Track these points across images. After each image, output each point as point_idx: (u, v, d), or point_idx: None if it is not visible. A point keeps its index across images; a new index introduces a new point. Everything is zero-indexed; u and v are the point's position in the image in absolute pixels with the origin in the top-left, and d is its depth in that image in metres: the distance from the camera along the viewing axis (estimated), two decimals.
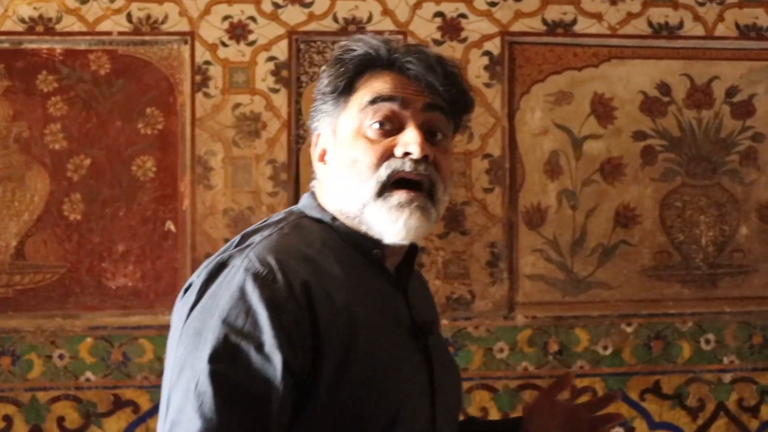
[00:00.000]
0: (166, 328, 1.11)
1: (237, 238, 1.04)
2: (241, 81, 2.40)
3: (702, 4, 2.57)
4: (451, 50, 2.43)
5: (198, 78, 2.38)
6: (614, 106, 2.58)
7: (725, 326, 2.54)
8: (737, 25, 2.58)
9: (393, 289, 1.05)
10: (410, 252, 1.08)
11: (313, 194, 1.09)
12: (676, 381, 2.57)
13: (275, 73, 2.42)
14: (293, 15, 2.42)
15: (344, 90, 1.05)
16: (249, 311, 0.94)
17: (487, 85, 2.49)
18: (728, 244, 2.56)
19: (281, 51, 2.43)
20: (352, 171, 1.02)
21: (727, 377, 2.53)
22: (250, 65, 2.42)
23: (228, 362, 0.94)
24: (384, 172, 1.01)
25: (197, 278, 1.00)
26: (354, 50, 1.06)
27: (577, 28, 2.54)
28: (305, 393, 0.94)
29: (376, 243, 1.03)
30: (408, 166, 1.00)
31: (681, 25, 2.57)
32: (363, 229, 1.02)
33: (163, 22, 2.38)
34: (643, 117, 2.59)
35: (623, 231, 2.56)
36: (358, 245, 1.03)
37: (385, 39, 1.08)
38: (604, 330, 2.51)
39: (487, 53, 2.49)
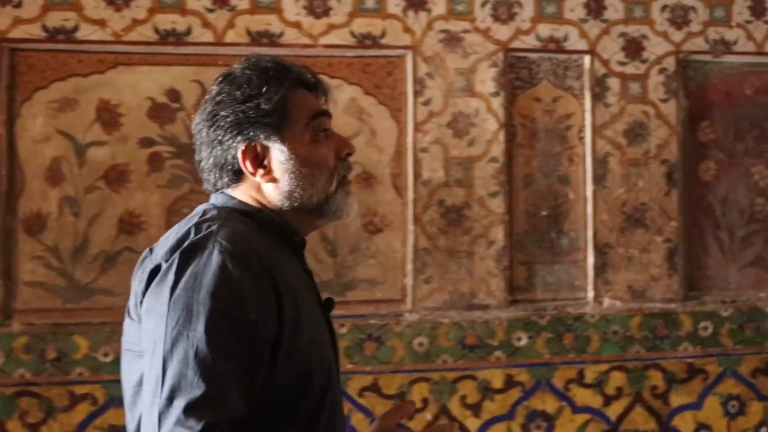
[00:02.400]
0: None
1: (190, 227, 1.24)
2: None
3: (211, 11, 2.78)
4: None
5: None
6: (121, 113, 2.77)
7: None
8: (248, 32, 2.79)
9: (303, 272, 1.34)
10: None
11: (226, 194, 1.33)
12: None
13: None
14: None
15: (284, 107, 1.31)
16: (233, 285, 1.17)
17: None
18: None
19: None
20: (316, 171, 1.32)
21: None
22: None
23: (222, 330, 1.15)
24: (341, 171, 1.34)
25: (165, 262, 1.20)
26: (279, 68, 1.33)
27: (80, 34, 2.72)
28: (271, 357, 1.19)
29: (296, 232, 1.32)
30: (349, 165, 1.36)
31: (189, 31, 2.77)
32: (307, 214, 1.33)
33: None
34: (151, 124, 2.78)
35: (127, 238, 2.75)
36: (281, 233, 1.30)
37: (292, 63, 1.37)
38: (105, 337, 2.71)
39: None
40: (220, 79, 1.34)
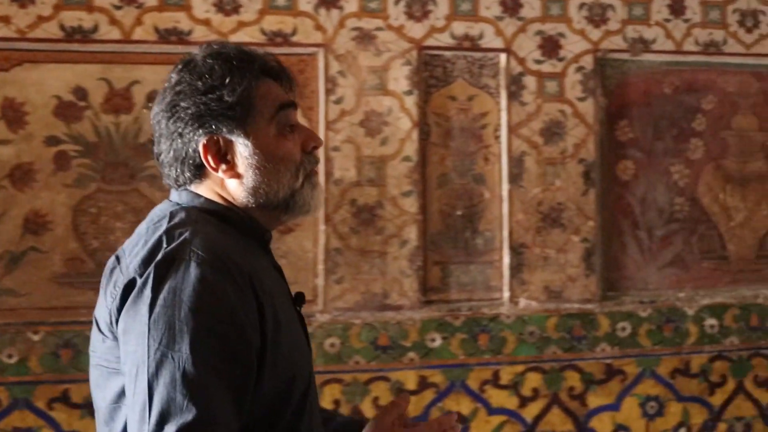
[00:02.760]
0: None
1: (161, 234, 1.22)
2: None
3: (119, 8, 2.83)
4: None
5: None
6: (26, 111, 2.81)
7: None
8: (157, 29, 2.84)
9: (274, 270, 1.34)
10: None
11: (191, 191, 1.31)
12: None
13: None
14: None
15: (250, 96, 1.29)
16: (215, 299, 1.15)
17: None
18: None
19: None
20: (281, 166, 1.30)
21: None
22: None
23: (208, 347, 1.14)
24: (307, 165, 1.33)
25: (140, 277, 1.18)
26: (243, 57, 1.30)
27: None
28: (257, 366, 1.19)
29: (265, 228, 1.32)
30: (316, 159, 1.36)
31: (96, 28, 2.82)
32: (273, 210, 1.31)
33: None
34: (57, 122, 2.83)
35: (33, 238, 2.80)
36: (250, 230, 1.30)
37: (251, 49, 1.35)
38: (9, 338, 2.75)
39: None
40: (180, 66, 1.31)
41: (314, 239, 2.92)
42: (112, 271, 1.28)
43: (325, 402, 2.89)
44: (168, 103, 1.29)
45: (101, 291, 1.30)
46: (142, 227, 1.30)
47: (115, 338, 1.23)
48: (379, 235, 2.94)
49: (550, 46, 3.07)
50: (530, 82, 3.03)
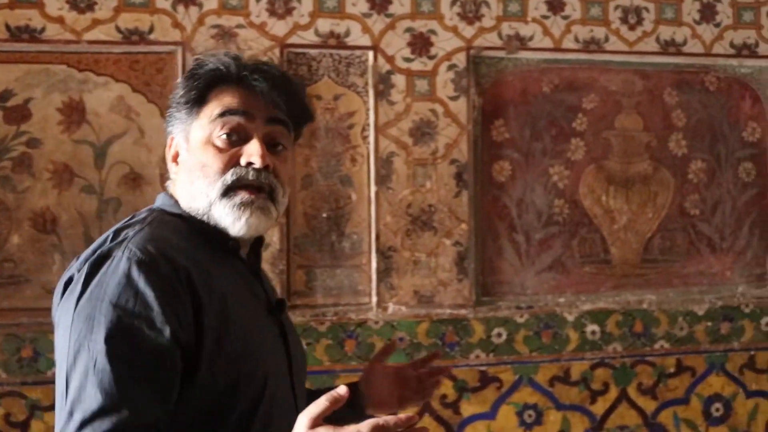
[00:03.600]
0: None
1: (109, 234, 1.37)
2: None
3: None
4: None
5: None
6: None
7: None
8: (8, 27, 3.00)
9: (248, 274, 1.45)
10: (257, 242, 1.51)
11: (168, 193, 1.48)
12: None
13: None
14: None
15: (196, 101, 1.43)
16: (137, 293, 1.26)
17: None
18: None
19: None
20: (201, 174, 1.40)
21: None
22: None
23: (123, 340, 1.24)
24: (230, 177, 1.39)
25: (77, 272, 1.31)
26: (207, 65, 1.44)
27: None
28: (190, 365, 1.28)
29: (228, 235, 1.41)
30: (251, 175, 1.39)
31: None
32: (212, 223, 1.40)
33: None
34: None
35: None
36: (212, 237, 1.40)
37: (236, 56, 1.46)
38: None
39: None
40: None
41: None
42: (69, 268, 1.41)
43: None
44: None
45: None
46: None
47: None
48: None
49: (421, 44, 3.22)
50: (399, 80, 3.19)
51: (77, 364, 1.26)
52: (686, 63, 3.55)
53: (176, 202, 1.45)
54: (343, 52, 3.28)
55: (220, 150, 1.41)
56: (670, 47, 3.54)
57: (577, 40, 3.47)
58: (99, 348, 1.24)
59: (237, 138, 1.41)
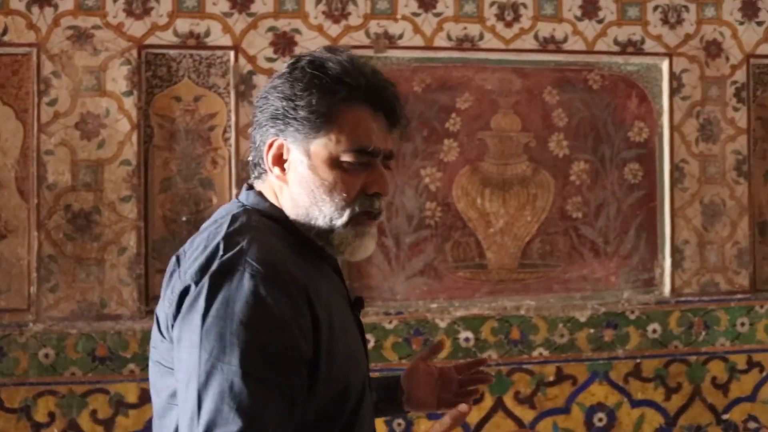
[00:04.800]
0: None
1: (219, 240, 1.54)
2: None
3: None
4: None
5: None
6: None
7: None
8: None
9: (333, 274, 1.69)
10: None
11: (260, 193, 1.66)
12: None
13: None
14: None
15: (325, 117, 1.59)
16: (267, 312, 1.45)
17: None
18: None
19: None
20: (327, 197, 1.60)
21: None
22: None
23: (257, 361, 1.44)
24: (358, 207, 1.60)
25: (194, 284, 1.49)
26: (331, 71, 1.60)
27: None
28: (310, 377, 1.50)
29: (322, 247, 1.63)
30: (375, 205, 1.63)
31: None
32: (318, 238, 1.62)
33: None
34: None
35: None
36: (307, 242, 1.63)
37: (354, 63, 1.61)
38: None
39: None
40: (291, 61, 1.67)
41: (28, 246, 3.35)
42: (171, 274, 1.61)
43: (40, 415, 3.30)
44: (265, 93, 1.67)
45: (162, 291, 1.64)
46: (204, 226, 1.66)
47: (171, 341, 1.55)
48: (96, 242, 3.42)
49: (284, 44, 3.53)
50: (261, 81, 3.52)
51: (211, 385, 1.44)
52: (568, 61, 3.84)
53: (272, 204, 1.65)
54: (204, 53, 3.60)
55: (348, 175, 1.61)
56: (549, 44, 3.84)
57: (450, 38, 3.78)
58: (234, 370, 1.43)
59: (361, 165, 1.61)
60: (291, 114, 1.60)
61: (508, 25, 3.85)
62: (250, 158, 1.70)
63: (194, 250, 1.56)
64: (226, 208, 1.68)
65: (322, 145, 1.60)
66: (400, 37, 3.79)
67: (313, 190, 1.60)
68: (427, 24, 3.81)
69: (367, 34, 3.77)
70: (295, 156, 1.62)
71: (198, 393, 1.44)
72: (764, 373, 4.05)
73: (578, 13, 3.90)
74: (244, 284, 1.46)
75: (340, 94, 1.59)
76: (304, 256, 1.60)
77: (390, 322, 3.74)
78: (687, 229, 3.98)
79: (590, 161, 3.91)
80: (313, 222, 1.61)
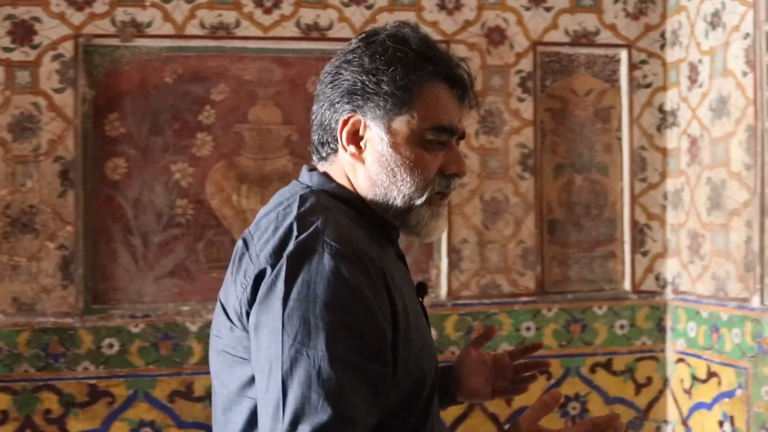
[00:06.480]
0: None
1: (292, 220, 1.67)
2: None
3: None
4: None
5: None
6: None
7: None
8: None
9: (398, 260, 1.88)
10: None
11: (325, 174, 1.84)
12: None
13: None
14: None
15: (410, 95, 1.77)
16: (351, 293, 1.60)
17: None
18: None
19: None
20: (408, 175, 1.77)
21: None
22: None
23: (344, 344, 1.57)
24: (437, 185, 1.81)
25: (270, 267, 1.63)
26: (412, 46, 1.77)
27: None
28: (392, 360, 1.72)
29: (392, 223, 1.84)
30: (452, 186, 1.84)
31: None
32: (395, 217, 1.82)
33: None
34: None
35: None
36: (377, 223, 1.82)
37: (435, 42, 1.82)
38: None
39: None
40: (362, 36, 1.84)
41: None
42: (241, 257, 1.75)
43: None
44: (335, 68, 1.82)
45: (229, 276, 1.79)
46: (268, 208, 1.81)
47: (245, 329, 1.69)
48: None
49: (23, 32, 3.92)
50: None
51: (296, 372, 1.56)
52: (334, 49, 4.11)
53: (338, 184, 1.82)
54: None
55: (429, 153, 1.79)
56: (313, 32, 4.21)
57: (203, 25, 4.21)
58: (321, 355, 1.55)
59: (440, 143, 1.82)
60: (372, 89, 1.74)
61: (267, 11, 4.26)
62: (314, 138, 1.83)
63: (263, 232, 1.70)
64: (290, 189, 1.83)
65: (404, 122, 1.76)
66: (149, 25, 4.22)
67: (393, 168, 1.75)
68: (178, 11, 4.23)
69: (113, 22, 4.20)
70: (375, 133, 1.77)
71: (282, 381, 1.55)
72: (552, 381, 4.39)
73: None
74: (324, 264, 1.59)
75: (425, 69, 1.76)
76: (374, 237, 1.77)
77: (136, 325, 4.14)
78: (465, 228, 4.41)
79: None
80: (391, 202, 1.77)
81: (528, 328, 4.51)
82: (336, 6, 4.38)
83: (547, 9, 4.57)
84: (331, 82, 1.78)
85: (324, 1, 4.38)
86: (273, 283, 1.60)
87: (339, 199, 1.77)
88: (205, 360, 4.22)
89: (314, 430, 1.50)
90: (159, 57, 4.27)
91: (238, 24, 4.30)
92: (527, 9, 4.54)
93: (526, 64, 4.53)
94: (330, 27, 4.34)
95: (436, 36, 4.46)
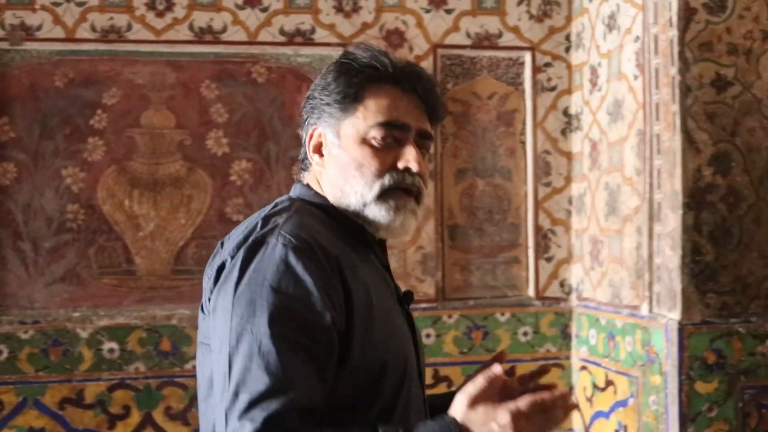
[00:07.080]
0: None
1: (257, 220, 1.92)
2: None
3: None
4: None
5: None
6: None
7: None
8: None
9: (380, 266, 2.09)
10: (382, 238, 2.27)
11: (307, 185, 2.09)
12: None
13: None
14: None
15: (353, 98, 2.00)
16: (296, 278, 1.80)
17: None
18: None
19: None
20: (357, 173, 1.97)
21: None
22: None
23: (286, 323, 1.77)
24: (387, 180, 1.97)
25: (230, 258, 1.87)
26: (360, 59, 2.02)
27: None
28: (343, 348, 1.84)
29: (366, 229, 2.02)
30: (407, 180, 1.98)
31: None
32: (357, 218, 2.01)
33: None
34: None
35: None
36: (352, 229, 2.03)
37: (386, 52, 2.03)
38: None
39: None
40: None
41: None
42: (215, 255, 2.02)
43: None
44: (308, 94, 2.11)
45: (204, 274, 2.02)
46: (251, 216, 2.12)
47: (209, 315, 1.93)
48: None
49: None
50: None
51: (240, 347, 1.76)
52: (229, 53, 4.35)
53: (316, 193, 2.06)
54: None
55: (377, 151, 1.98)
56: (206, 35, 4.34)
57: (94, 29, 4.31)
58: (263, 331, 1.75)
59: (392, 141, 2.00)
60: (325, 101, 2.00)
61: (160, 14, 4.44)
62: (300, 155, 2.07)
63: (237, 234, 1.93)
64: (277, 200, 2.06)
65: (351, 125, 1.98)
66: (39, 28, 4.36)
67: (344, 168, 1.96)
68: (69, 14, 4.41)
69: (2, 25, 4.41)
70: (330, 140, 2.01)
71: (229, 355, 1.77)
72: (453, 388, 4.46)
73: (239, 1, 4.41)
74: (275, 252, 1.81)
75: (366, 73, 1.98)
76: (347, 241, 1.96)
77: (26, 331, 4.29)
78: None
79: (254, 160, 4.42)
80: (346, 200, 1.97)
81: (428, 335, 4.66)
82: (230, 9, 4.57)
83: (448, 11, 4.77)
84: (304, 106, 2.06)
85: (218, 4, 4.59)
86: (230, 271, 1.84)
87: (315, 206, 1.98)
88: (94, 367, 4.51)
89: (252, 398, 1.69)
90: (50, 61, 4.46)
91: (129, 27, 4.49)
92: (427, 11, 4.75)
93: (426, 67, 4.67)
94: (224, 30, 4.53)
95: (332, 39, 4.65)
